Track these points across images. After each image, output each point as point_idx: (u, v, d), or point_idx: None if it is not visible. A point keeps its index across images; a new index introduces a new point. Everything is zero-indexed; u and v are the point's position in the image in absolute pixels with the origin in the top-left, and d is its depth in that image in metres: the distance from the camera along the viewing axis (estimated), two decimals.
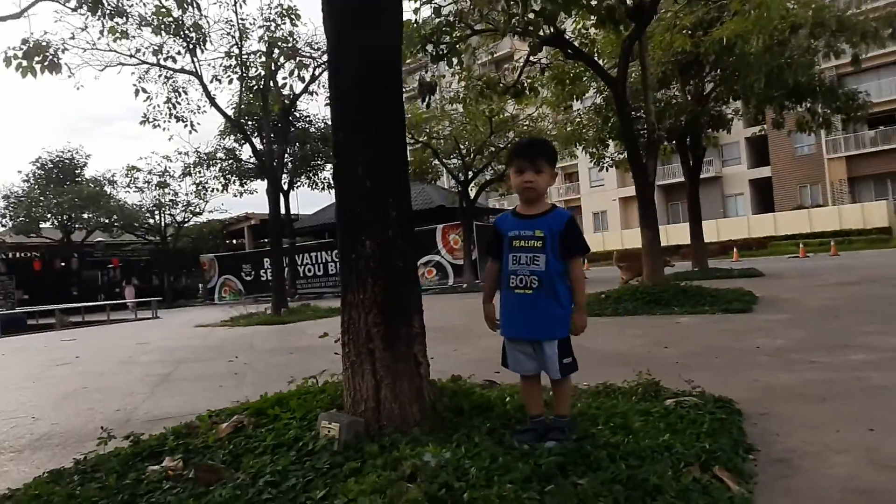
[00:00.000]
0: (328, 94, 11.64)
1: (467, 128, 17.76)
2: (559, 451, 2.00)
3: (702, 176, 16.57)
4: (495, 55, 21.28)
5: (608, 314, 7.79)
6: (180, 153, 24.08)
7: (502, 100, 12.68)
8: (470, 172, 18.91)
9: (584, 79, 11.89)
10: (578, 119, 15.22)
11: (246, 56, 12.19)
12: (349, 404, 2.36)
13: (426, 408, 2.35)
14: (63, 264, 31.10)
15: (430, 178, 21.21)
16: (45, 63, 9.56)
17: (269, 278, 23.95)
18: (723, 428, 2.42)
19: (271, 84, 12.57)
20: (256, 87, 12.86)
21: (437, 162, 19.31)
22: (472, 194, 19.64)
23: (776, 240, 29.58)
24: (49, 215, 29.46)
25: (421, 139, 17.57)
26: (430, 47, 9.48)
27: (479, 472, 1.79)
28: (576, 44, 10.14)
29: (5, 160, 69.89)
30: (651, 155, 9.48)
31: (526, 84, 10.80)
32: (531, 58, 10.37)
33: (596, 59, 10.77)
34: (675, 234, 30.98)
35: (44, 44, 9.35)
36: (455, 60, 9.69)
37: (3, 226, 31.05)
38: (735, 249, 23.87)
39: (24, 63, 9.45)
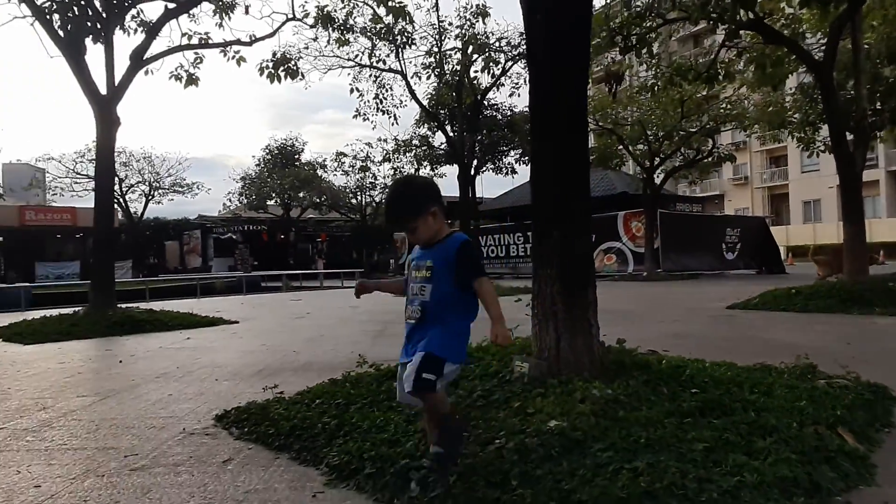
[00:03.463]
0: (513, 84, 12.37)
1: (656, 112, 17.40)
2: (699, 399, 2.52)
3: None
4: (686, 42, 20.31)
5: (794, 310, 7.59)
6: (380, 140, 26.73)
7: (694, 86, 12.38)
8: (657, 158, 18.51)
9: (787, 63, 11.17)
10: (782, 102, 14.18)
11: (444, 53, 13.45)
12: (535, 351, 3.10)
13: (595, 359, 3.00)
14: (283, 237, 36.29)
15: (615, 165, 21.07)
16: (287, 71, 11.65)
17: None
18: (866, 406, 2.71)
19: (465, 78, 13.70)
20: (451, 80, 14.09)
21: (621, 147, 19.18)
22: (659, 181, 19.20)
23: None
24: (273, 194, 34.49)
25: (607, 125, 17.62)
26: (618, 39, 9.73)
27: (632, 402, 2.42)
28: (776, 26, 9.64)
29: (245, 148, 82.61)
30: (860, 143, 8.79)
31: (720, 70, 10.52)
32: (726, 43, 10.09)
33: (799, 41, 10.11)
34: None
35: (287, 56, 11.39)
36: (644, 51, 9.81)
37: (239, 203, 37.16)
38: None
39: (272, 71, 11.60)
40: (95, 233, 9.42)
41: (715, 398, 2.55)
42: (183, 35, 10.21)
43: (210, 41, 10.49)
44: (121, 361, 5.42)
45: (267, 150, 36.20)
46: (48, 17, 8.45)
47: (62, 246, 33.09)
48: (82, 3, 8.69)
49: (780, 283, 10.72)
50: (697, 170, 21.50)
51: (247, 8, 10.59)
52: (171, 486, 2.28)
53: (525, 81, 14.58)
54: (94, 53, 8.90)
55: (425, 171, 22.85)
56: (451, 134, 16.39)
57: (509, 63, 13.63)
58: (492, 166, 24.83)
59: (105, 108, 8.82)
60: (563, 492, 1.85)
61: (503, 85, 14.55)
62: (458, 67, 13.36)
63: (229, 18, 10.68)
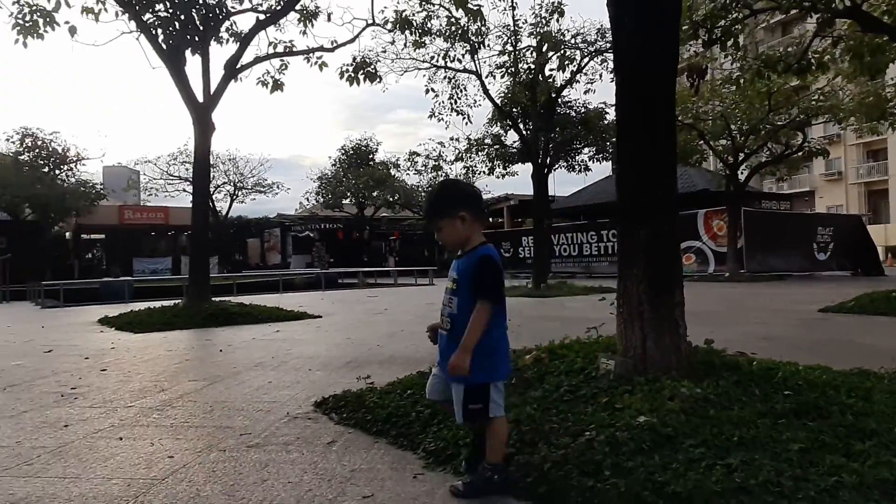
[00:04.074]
0: (587, 81, 12.16)
1: (740, 106, 16.67)
2: (793, 402, 2.50)
3: None
4: (775, 30, 19.31)
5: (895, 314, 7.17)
6: (452, 139, 27.02)
7: (784, 78, 11.82)
8: (741, 154, 17.73)
9: (888, 51, 10.46)
10: (881, 92, 13.28)
11: (519, 52, 13.47)
12: (621, 350, 3.15)
13: (682, 359, 3.01)
14: (357, 235, 37.30)
15: (695, 161, 20.36)
16: (367, 74, 12.02)
17: (527, 255, 25.66)
18: None
19: (539, 77, 13.65)
20: (526, 79, 14.08)
21: (702, 143, 18.51)
22: (743, 177, 18.40)
23: None
24: (348, 193, 35.49)
25: (687, 120, 17.06)
26: (701, 32, 9.44)
27: (723, 402, 2.44)
28: (875, 13, 9.07)
29: (320, 148, 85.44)
30: None
31: (813, 60, 10.00)
32: (819, 32, 9.58)
33: None
34: None
35: (367, 60, 11.76)
36: (730, 43, 9.47)
37: (316, 202, 38.50)
38: None
39: (353, 75, 12.01)
40: (192, 231, 10.12)
41: (810, 401, 2.52)
42: (269, 44, 10.79)
43: (294, 48, 11.01)
44: (221, 351, 5.85)
45: (342, 151, 37.28)
46: (153, 31, 9.14)
47: (156, 243, 35.52)
48: (182, 17, 9.37)
49: (878, 286, 10.08)
50: (785, 165, 20.42)
51: (329, 15, 11.04)
52: (285, 463, 2.51)
53: (600, 77, 14.39)
54: (190, 64, 9.58)
55: (498, 169, 22.83)
56: (525, 132, 16.36)
57: (585, 60, 13.48)
58: (564, 164, 24.58)
59: (202, 115, 9.47)
60: (656, 483, 1.92)
61: (578, 82, 14.39)
62: (533, 66, 13.33)
63: (312, 26, 11.17)
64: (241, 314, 8.51)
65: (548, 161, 19.55)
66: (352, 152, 37.06)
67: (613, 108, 19.61)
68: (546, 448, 2.23)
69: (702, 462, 2.03)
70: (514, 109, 16.96)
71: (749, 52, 11.18)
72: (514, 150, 22.34)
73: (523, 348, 4.23)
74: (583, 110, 20.73)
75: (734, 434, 2.20)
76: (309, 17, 10.89)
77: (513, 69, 13.76)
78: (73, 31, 9.50)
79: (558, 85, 14.19)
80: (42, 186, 26.16)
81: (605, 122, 19.82)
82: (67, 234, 33.58)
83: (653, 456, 2.10)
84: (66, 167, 28.44)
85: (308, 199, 38.03)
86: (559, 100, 15.64)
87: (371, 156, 37.23)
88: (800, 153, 18.70)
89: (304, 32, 11.15)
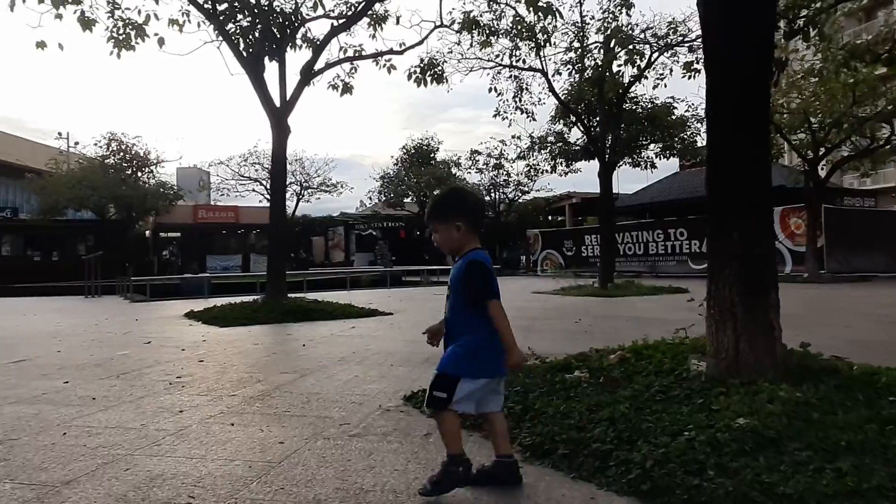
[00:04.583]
0: (657, 76, 11.89)
1: (821, 98, 15.87)
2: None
3: None
4: (856, 15, 18.26)
5: None
6: (514, 137, 26.92)
7: (871, 68, 11.21)
8: (821, 149, 16.89)
9: None
10: None
11: (586, 49, 13.33)
12: (712, 352, 3.13)
13: (777, 362, 2.97)
14: (418, 233, 37.73)
15: (772, 156, 19.53)
16: (434, 75, 12.19)
17: (590, 254, 25.31)
18: None
19: (607, 73, 13.47)
20: (593, 75, 13.91)
21: (779, 137, 17.72)
22: (823, 173, 17.51)
23: None
24: (410, 192, 35.96)
25: None
26: (783, 23, 9.08)
27: (825, 406, 2.41)
28: None
29: (380, 147, 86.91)
30: None
31: None
32: None
33: None
34: None
35: (434, 62, 11.93)
36: (813, 33, 9.07)
37: (378, 200, 39.20)
38: None
39: (420, 76, 12.20)
40: (270, 231, 10.56)
41: None
42: (340, 49, 11.11)
43: (363, 51, 11.31)
44: (304, 346, 6.12)
45: (404, 150, 37.79)
46: (235, 40, 9.61)
47: (227, 241, 37.09)
48: (260, 26, 9.80)
49: None
50: (870, 160, 19.28)
51: (398, 19, 11.26)
52: (388, 452, 2.65)
53: (670, 72, 14.02)
54: (267, 70, 10.02)
55: (560, 167, 22.64)
56: (591, 129, 16.17)
57: (654, 55, 13.18)
58: (629, 160, 24.09)
59: (279, 119, 9.88)
60: (764, 484, 1.93)
61: (646, 77, 14.08)
62: (600, 62, 13.16)
63: (381, 30, 11.43)
64: (317, 311, 8.84)
65: (612, 158, 19.24)
66: (413, 151, 37.49)
67: (681, 102, 19.07)
68: (646, 447, 2.27)
69: (809, 465, 2.03)
70: (577, 107, 16.81)
71: (833, 42, 10.64)
72: (578, 147, 22.10)
73: (606, 348, 4.25)
74: (649, 106, 20.29)
75: (841, 438, 2.18)
76: (378, 21, 11.16)
77: (579, 66, 13.63)
78: (161, 42, 10.11)
79: (626, 81, 13.94)
80: (126, 188, 27.81)
81: (673, 117, 19.33)
82: (147, 232, 35.50)
83: (757, 458, 2.11)
84: (147, 169, 30.14)
85: (371, 198, 38.76)
86: (626, 96, 15.34)
87: (432, 155, 37.56)
88: (887, 146, 17.62)
89: (374, 36, 11.42)
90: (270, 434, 2.96)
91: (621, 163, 23.60)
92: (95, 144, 29.22)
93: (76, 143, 37.58)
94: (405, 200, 37.19)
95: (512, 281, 21.56)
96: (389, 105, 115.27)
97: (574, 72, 14.27)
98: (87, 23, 9.39)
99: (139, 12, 9.91)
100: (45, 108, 78.53)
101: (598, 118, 17.06)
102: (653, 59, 13.29)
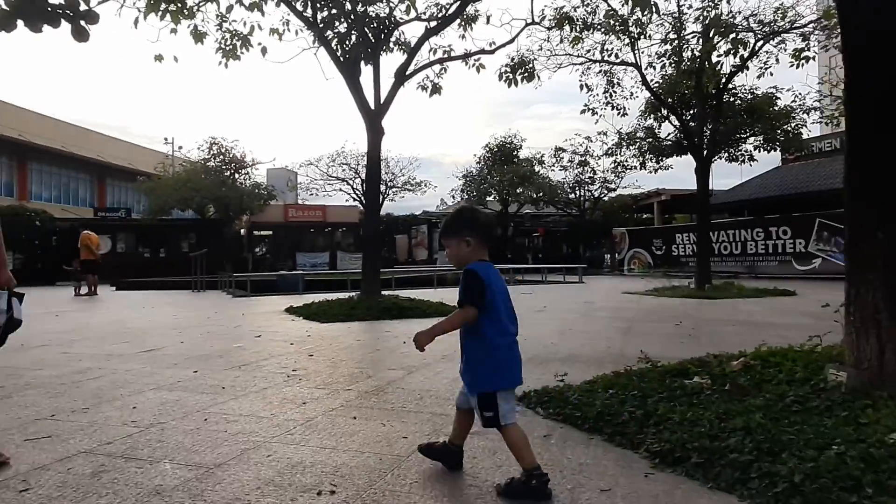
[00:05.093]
0: (761, 66, 11.23)
1: None
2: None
3: None
4: None
5: None
6: (600, 134, 26.26)
7: None
8: None
9: None
10: None
11: (683, 40, 12.80)
12: (852, 361, 2.94)
13: None
14: (501, 231, 37.63)
15: None
16: (524, 74, 12.12)
17: (682, 254, 24.32)
18: None
19: (706, 64, 12.87)
20: (690, 67, 13.34)
21: None
22: None
23: None
24: (493, 191, 35.91)
25: None
26: None
27: None
28: None
29: (460, 146, 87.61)
30: None
31: None
32: None
33: None
34: None
35: (525, 60, 11.87)
36: None
37: (461, 198, 39.43)
38: None
39: (511, 75, 12.16)
40: (365, 229, 10.90)
41: None
42: (430, 50, 11.27)
43: (452, 52, 11.41)
44: (404, 342, 6.27)
45: (487, 148, 37.80)
46: (333, 47, 9.98)
47: (315, 239, 38.57)
48: (356, 32, 10.12)
49: None
50: None
51: (488, 18, 11.28)
52: (510, 451, 2.67)
53: (777, 61, 13.18)
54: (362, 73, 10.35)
55: (650, 163, 21.87)
56: (686, 123, 15.51)
57: (759, 43, 12.43)
58: (725, 155, 22.92)
59: (374, 121, 10.16)
60: None
61: (748, 68, 13.32)
62: (698, 53, 12.59)
63: (471, 30, 11.50)
64: (411, 308, 9.03)
65: (711, 152, 18.37)
66: (496, 150, 37.42)
67: (785, 92, 17.89)
68: (792, 460, 2.16)
69: None
70: (669, 100, 16.17)
71: None
72: (669, 142, 21.27)
73: (723, 353, 4.08)
74: (749, 97, 19.23)
75: None
76: (469, 21, 11.23)
77: (675, 58, 13.12)
78: (264, 51, 10.66)
79: (727, 71, 13.25)
80: (225, 189, 29.57)
81: (776, 108, 18.21)
82: (242, 230, 37.54)
83: None
84: (243, 171, 31.90)
85: (453, 197, 39.04)
86: (726, 87, 14.60)
87: (515, 153, 37.34)
88: None
89: (463, 36, 11.51)
90: (393, 429, 3.07)
91: (716, 157, 22.55)
92: (198, 148, 31.25)
93: (180, 147, 40.44)
94: (487, 199, 37.20)
95: (598, 280, 21.09)
96: (469, 104, 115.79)
97: (669, 64, 13.73)
98: (198, 35, 10.06)
99: (244, 24, 10.52)
100: (151, 114, 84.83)
101: (692, 111, 16.37)
102: (757, 48, 12.56)
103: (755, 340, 5.18)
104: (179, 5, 8.96)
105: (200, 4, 9.35)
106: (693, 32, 13.10)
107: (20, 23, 4.01)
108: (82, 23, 4.01)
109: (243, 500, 2.18)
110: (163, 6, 8.90)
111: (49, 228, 25.37)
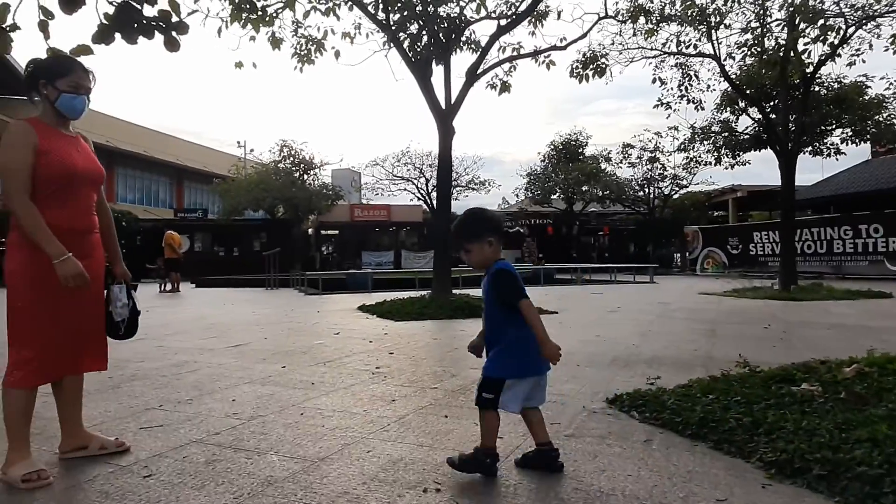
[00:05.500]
0: (852, 53, 10.52)
1: None
2: None
3: None
4: None
5: None
6: (671, 129, 25.41)
7: None
8: None
9: None
10: None
11: (766, 28, 12.19)
12: None
13: None
14: (565, 230, 37.08)
15: None
16: (596, 69, 11.87)
17: (760, 253, 23.21)
18: None
19: (791, 53, 12.21)
20: (774, 57, 12.70)
21: None
22: None
23: None
24: (557, 189, 35.41)
25: None
26: None
27: None
28: None
29: (523, 144, 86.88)
30: None
31: None
32: None
33: None
34: None
35: (596, 55, 11.62)
36: None
37: (525, 197, 39.11)
38: None
39: (581, 71, 11.95)
40: (435, 228, 10.95)
41: None
42: (499, 48, 11.20)
43: (521, 49, 11.31)
44: None
45: (552, 146, 37.31)
46: (406, 48, 10.09)
47: (380, 237, 39.21)
48: (427, 32, 10.19)
49: None
50: None
51: (559, 13, 11.12)
52: (612, 456, 2.61)
53: (870, 47, 12.31)
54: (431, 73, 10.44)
55: (726, 158, 20.98)
56: (770, 116, 14.76)
57: (851, 29, 11.65)
58: (809, 148, 21.68)
59: (445, 120, 10.21)
60: None
61: (839, 55, 12.51)
62: (783, 42, 11.94)
63: (542, 26, 11.37)
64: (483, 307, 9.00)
65: (797, 145, 17.45)
66: (561, 147, 36.88)
67: (877, 80, 16.73)
68: None
69: None
70: (749, 91, 15.46)
71: None
72: (747, 136, 20.34)
73: (830, 359, 3.84)
74: (836, 86, 18.14)
75: None
76: (539, 17, 11.10)
77: (757, 48, 12.50)
78: (337, 54, 10.92)
79: (814, 60, 12.52)
80: (295, 189, 30.51)
81: (866, 97, 17.10)
82: (310, 230, 38.62)
83: None
84: (312, 172, 32.82)
85: (517, 195, 38.78)
86: (814, 77, 13.80)
87: (581, 150, 36.69)
88: None
89: (533, 33, 11.41)
90: None
91: (802, 151, 21.40)
92: (269, 151, 32.41)
93: (251, 150, 42.00)
94: (552, 197, 36.71)
95: (669, 280, 20.42)
96: (530, 101, 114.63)
97: (750, 55, 13.11)
98: (276, 42, 10.41)
99: (318, 29, 10.79)
100: (223, 119, 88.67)
101: (772, 103, 15.58)
102: (848, 34, 11.80)
103: (856, 346, 4.86)
104: (260, 13, 9.30)
105: (279, 11, 9.66)
106: (777, 20, 12.45)
107: (118, 35, 4.26)
108: (174, 33, 4.21)
109: (351, 495, 2.22)
110: (244, 15, 9.26)
111: (134, 229, 26.91)
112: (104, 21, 3.69)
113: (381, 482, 2.34)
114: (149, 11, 3.78)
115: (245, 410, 3.44)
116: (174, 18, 4.46)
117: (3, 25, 3.69)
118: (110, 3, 3.64)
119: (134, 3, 3.68)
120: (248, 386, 4.12)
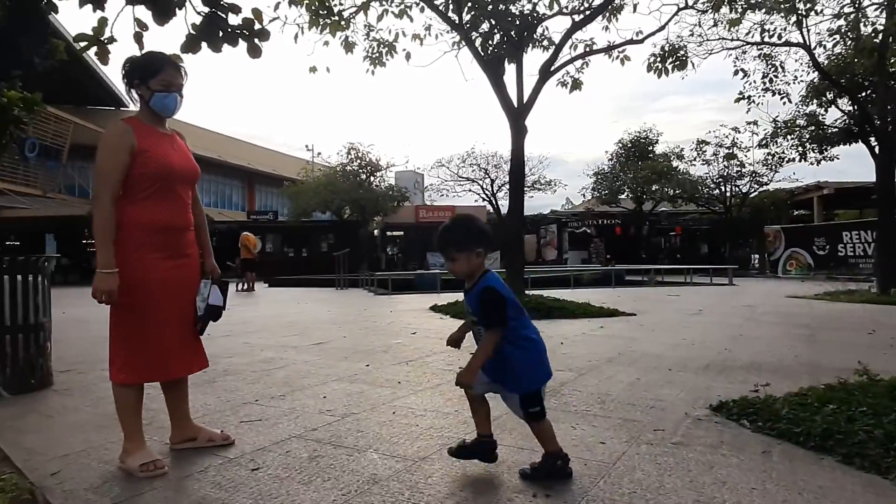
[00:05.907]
0: None
1: None
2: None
3: None
4: None
5: None
6: (749, 124, 24.16)
7: None
8: None
9: None
10: None
11: (862, 12, 11.39)
12: None
13: None
14: (634, 231, 36.05)
15: None
16: (676, 63, 11.43)
17: (850, 254, 21.76)
18: None
19: (889, 39, 11.35)
20: (868, 44, 11.85)
21: None
22: None
23: None
24: (626, 188, 34.44)
25: None
26: None
27: None
28: None
29: (592, 144, 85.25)
30: None
31: None
32: None
33: None
34: None
35: (675, 48, 11.19)
36: None
37: (592, 196, 38.31)
38: None
39: (660, 65, 11.52)
40: (508, 227, 10.84)
41: None
42: (570, 45, 10.95)
43: (594, 45, 11.01)
44: (562, 343, 6.11)
45: (619, 144, 36.38)
46: (477, 46, 10.04)
47: None
48: (499, 30, 10.10)
49: None
50: None
51: (635, 6, 10.76)
52: (729, 466, 2.44)
53: None
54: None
55: (812, 154, 19.77)
56: (867, 107, 13.79)
57: None
58: None
59: (517, 119, 10.09)
60: None
61: None
62: (881, 28, 11.11)
63: (616, 20, 11.05)
64: (558, 308, 8.82)
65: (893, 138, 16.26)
66: (630, 145, 35.91)
67: None
68: None
69: None
70: (842, 80, 14.51)
71: None
72: (836, 129, 19.11)
73: None
74: None
75: None
76: (614, 11, 10.80)
77: (853, 35, 11.70)
78: (408, 56, 11.02)
79: None
80: (362, 191, 31.08)
81: None
82: (375, 231, 39.25)
83: None
84: (378, 174, 33.35)
85: (584, 195, 38.05)
86: None
87: (651, 148, 35.59)
88: None
89: (606, 28, 11.11)
90: (585, 433, 2.94)
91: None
92: (337, 153, 33.19)
93: (319, 153, 43.17)
94: (620, 197, 35.78)
95: (750, 283, 19.43)
96: (595, 99, 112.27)
97: (843, 43, 12.28)
98: (349, 46, 10.60)
99: (389, 31, 10.90)
100: (291, 123, 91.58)
101: (866, 93, 14.54)
102: None
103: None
104: (336, 18, 9.48)
105: (354, 15, 9.83)
106: (874, 3, 11.61)
107: (203, 45, 4.40)
108: (256, 40, 4.32)
109: (459, 497, 2.17)
110: (321, 21, 9.47)
111: (209, 231, 28.13)
112: (192, 31, 3.82)
113: (487, 485, 2.28)
114: (233, 20, 3.88)
115: (337, 408, 3.46)
116: (256, 26, 4.60)
117: (102, 38, 3.88)
118: (198, 13, 3.76)
119: (220, 13, 3.79)
120: (335, 383, 4.16)
